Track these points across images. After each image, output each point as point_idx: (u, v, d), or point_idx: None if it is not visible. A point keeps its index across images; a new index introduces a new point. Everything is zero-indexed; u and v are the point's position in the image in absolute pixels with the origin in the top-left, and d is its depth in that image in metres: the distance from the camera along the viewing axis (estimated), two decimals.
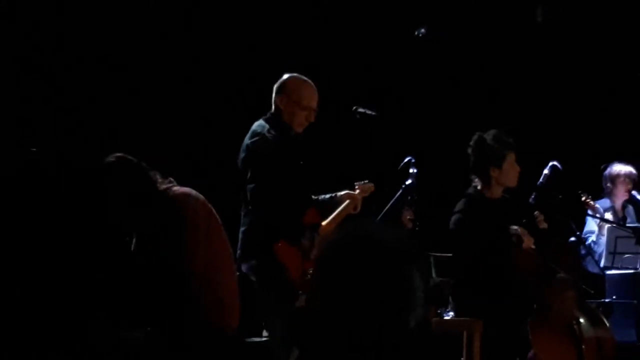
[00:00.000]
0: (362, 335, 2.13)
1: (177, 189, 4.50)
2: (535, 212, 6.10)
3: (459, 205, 5.96)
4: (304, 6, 8.36)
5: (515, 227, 5.89)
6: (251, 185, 5.47)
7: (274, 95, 5.69)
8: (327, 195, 5.89)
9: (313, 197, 5.85)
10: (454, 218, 5.90)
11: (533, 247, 5.88)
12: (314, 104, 5.65)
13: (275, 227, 5.39)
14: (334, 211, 5.83)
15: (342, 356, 2.13)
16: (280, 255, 5.34)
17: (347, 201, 5.83)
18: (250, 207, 5.47)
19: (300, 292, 5.31)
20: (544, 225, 6.06)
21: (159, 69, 7.60)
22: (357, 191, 5.92)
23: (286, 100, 5.63)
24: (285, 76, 5.72)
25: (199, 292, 4.38)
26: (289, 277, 5.31)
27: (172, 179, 4.55)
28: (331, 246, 2.21)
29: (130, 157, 4.49)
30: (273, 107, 5.68)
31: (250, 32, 8.01)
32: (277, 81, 5.69)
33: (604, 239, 7.87)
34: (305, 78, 5.72)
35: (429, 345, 5.77)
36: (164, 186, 4.48)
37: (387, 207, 6.63)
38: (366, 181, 6.04)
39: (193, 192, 4.52)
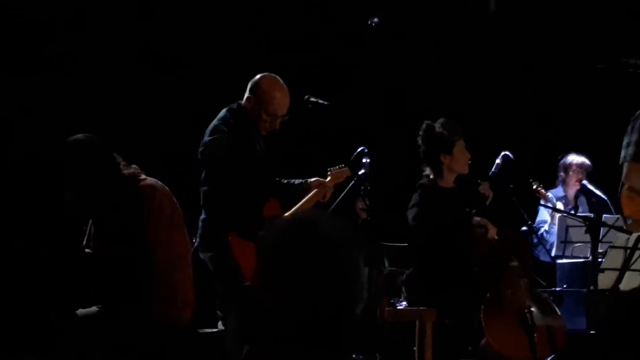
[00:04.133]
0: (306, 323, 2.10)
1: (144, 178, 4.41)
2: (481, 185, 6.09)
3: (415, 198, 5.90)
4: None
5: (478, 217, 5.88)
6: (204, 188, 5.43)
7: (247, 90, 5.58)
8: (297, 181, 5.78)
9: (283, 181, 5.75)
10: (412, 212, 5.84)
11: (496, 237, 5.90)
12: (281, 112, 5.53)
13: (228, 224, 5.34)
14: (301, 199, 5.74)
15: (288, 345, 2.11)
16: (234, 249, 5.30)
17: (315, 190, 5.76)
18: (203, 208, 5.44)
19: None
20: (489, 192, 6.06)
21: (140, 63, 7.52)
22: (329, 178, 5.84)
23: (254, 101, 5.52)
24: (260, 76, 5.57)
25: (154, 285, 4.31)
26: (241, 273, 5.26)
27: (136, 166, 4.46)
28: (274, 234, 2.18)
29: (96, 137, 4.38)
30: (243, 100, 5.58)
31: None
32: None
33: (556, 229, 7.94)
34: (279, 83, 5.56)
35: (380, 334, 5.76)
36: (128, 171, 4.39)
37: (340, 197, 6.61)
38: (342, 165, 5.95)
39: (159, 184, 4.45)
